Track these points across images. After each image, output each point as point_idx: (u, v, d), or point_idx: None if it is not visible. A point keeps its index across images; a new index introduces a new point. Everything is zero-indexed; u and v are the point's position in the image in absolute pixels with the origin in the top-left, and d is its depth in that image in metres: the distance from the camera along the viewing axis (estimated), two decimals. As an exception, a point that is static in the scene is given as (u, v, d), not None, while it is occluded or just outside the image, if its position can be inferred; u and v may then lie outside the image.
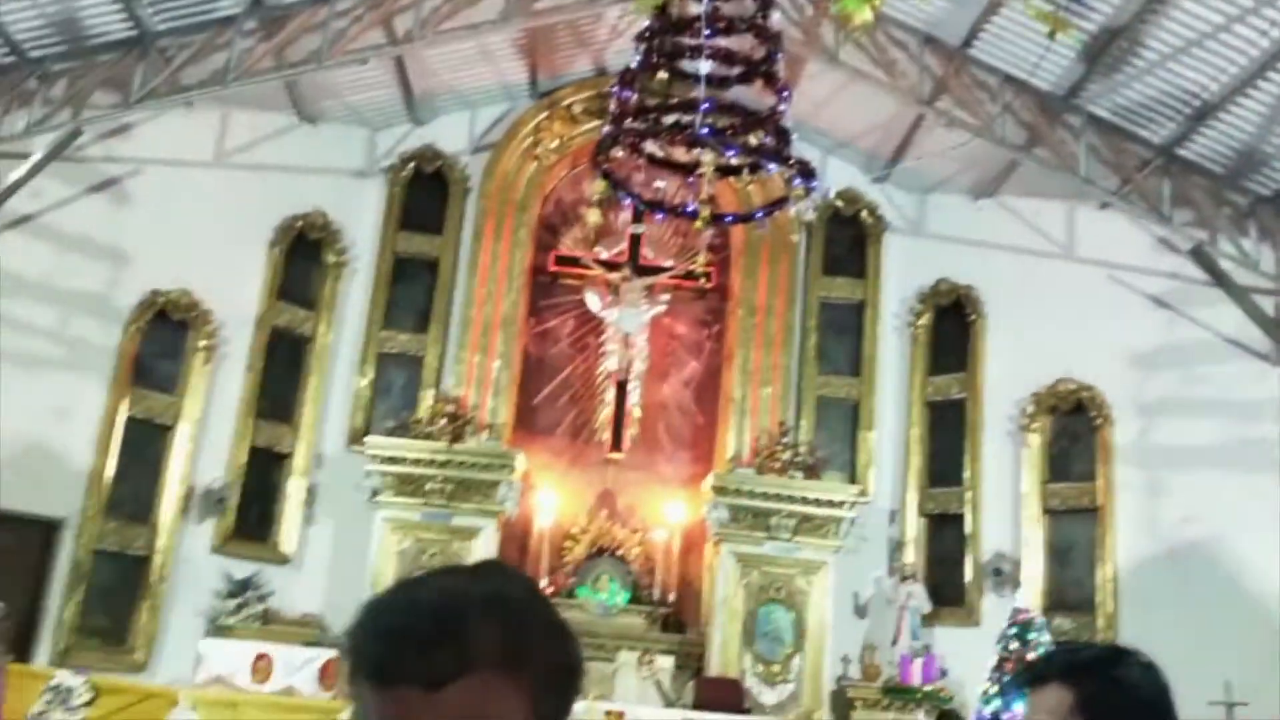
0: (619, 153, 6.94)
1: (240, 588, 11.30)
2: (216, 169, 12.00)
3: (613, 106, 7.11)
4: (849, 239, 13.35)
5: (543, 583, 11.80)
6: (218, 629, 11.01)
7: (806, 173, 7.01)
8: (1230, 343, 11.40)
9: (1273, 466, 10.79)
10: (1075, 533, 11.81)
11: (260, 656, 9.85)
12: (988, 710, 9.29)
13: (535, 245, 13.10)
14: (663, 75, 7.14)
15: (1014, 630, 8.66)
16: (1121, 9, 9.83)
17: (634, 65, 7.23)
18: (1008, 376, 12.38)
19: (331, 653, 10.04)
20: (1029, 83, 11.17)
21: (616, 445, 12.57)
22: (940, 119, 11.42)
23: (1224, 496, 10.84)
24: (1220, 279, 11.18)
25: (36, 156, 10.21)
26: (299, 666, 9.76)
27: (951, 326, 12.95)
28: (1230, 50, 9.84)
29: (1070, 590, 11.70)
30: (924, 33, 11.15)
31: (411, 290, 12.76)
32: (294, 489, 11.91)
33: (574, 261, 13.14)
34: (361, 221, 12.77)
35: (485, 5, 10.95)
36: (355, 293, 12.64)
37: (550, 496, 12.24)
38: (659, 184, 7.71)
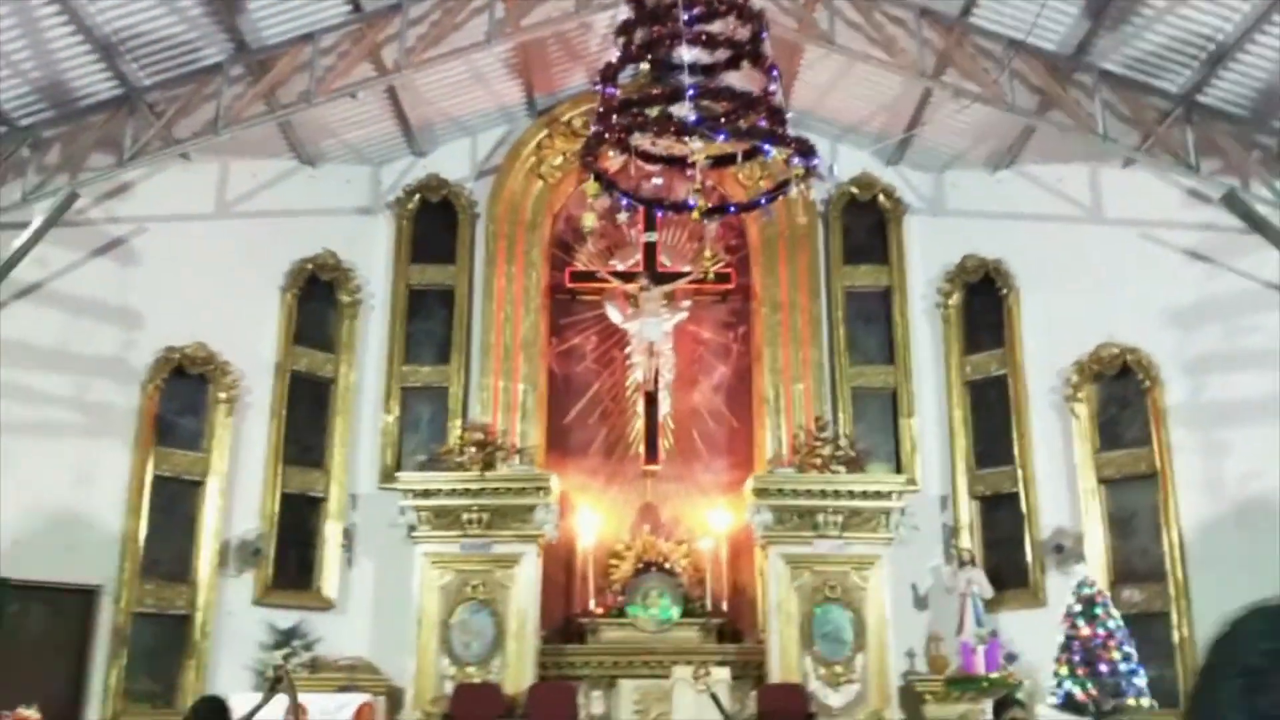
0: (609, 151, 6.73)
1: (285, 638, 11.16)
2: (220, 219, 11.97)
3: (598, 104, 6.91)
4: (868, 225, 13.06)
5: (591, 603, 11.59)
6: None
7: (805, 151, 6.74)
8: (1274, 288, 10.95)
9: (1336, 410, 10.33)
10: (1135, 501, 11.38)
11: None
12: (1063, 690, 8.89)
13: (549, 264, 12.95)
14: (645, 67, 6.95)
15: (1079, 608, 8.27)
16: (1122, -43, 9.49)
17: (615, 60, 7.04)
18: (1047, 347, 12.01)
19: (365, 697, 9.87)
20: (1034, 45, 10.82)
21: (652, 457, 12.34)
22: (947, 92, 11.11)
23: (1287, 448, 10.38)
24: (1257, 224, 10.72)
25: (36, 224, 10.17)
26: (334, 712, 9.56)
27: (984, 303, 12.60)
28: (1240, -13, 9.45)
29: (1136, 560, 11.27)
30: (920, 5, 10.85)
31: (429, 322, 12.64)
32: (330, 533, 11.78)
33: (590, 276, 12.97)
34: (372, 258, 12.69)
35: (470, 28, 10.83)
36: (373, 330, 12.55)
37: (590, 516, 12.04)
38: (656, 181, 7.48)
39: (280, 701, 6.97)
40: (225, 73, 10.43)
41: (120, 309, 11.10)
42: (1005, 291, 12.43)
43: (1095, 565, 11.07)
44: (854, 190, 12.99)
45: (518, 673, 10.82)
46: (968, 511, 12.03)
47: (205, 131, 10.50)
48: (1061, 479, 11.71)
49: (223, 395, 11.43)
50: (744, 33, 7.05)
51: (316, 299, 12.37)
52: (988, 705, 10.43)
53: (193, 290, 11.40)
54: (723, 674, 10.66)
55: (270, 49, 10.58)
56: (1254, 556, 10.35)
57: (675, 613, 11.57)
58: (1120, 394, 11.72)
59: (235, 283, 11.76)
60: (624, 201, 6.95)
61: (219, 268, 11.66)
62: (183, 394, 11.33)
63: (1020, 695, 10.42)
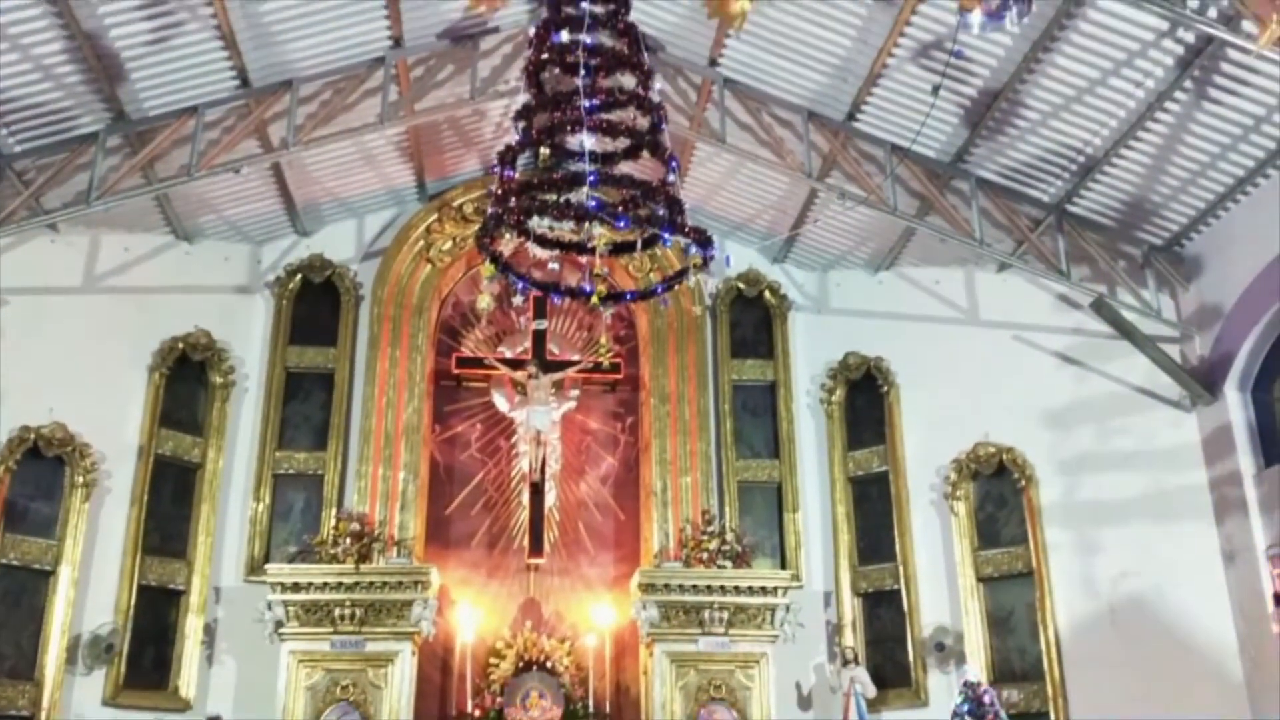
0: (506, 234, 6.63)
1: (137, 743, 10.41)
2: (88, 294, 11.42)
3: (494, 186, 6.83)
4: (754, 320, 13.23)
5: (468, 704, 11.12)
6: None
7: (703, 241, 6.78)
8: (1142, 392, 11.36)
9: (1204, 512, 10.66)
10: (1013, 599, 11.50)
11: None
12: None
13: (435, 350, 12.71)
14: (545, 151, 6.92)
15: (966, 706, 8.28)
16: (999, 70, 9.94)
17: (514, 143, 6.99)
18: (927, 445, 12.22)
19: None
20: (916, 151, 11.20)
21: (536, 550, 12.03)
22: (832, 194, 11.39)
23: (1158, 547, 10.69)
24: (1124, 330, 11.17)
25: (-112, 290, 9.54)
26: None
27: (865, 400, 12.80)
28: (1108, 104, 9.99)
29: (1015, 659, 11.35)
30: (807, 109, 11.16)
31: (306, 406, 12.22)
32: (191, 628, 11.14)
33: (477, 363, 12.75)
34: (249, 338, 12.28)
35: (362, 109, 10.71)
36: (245, 413, 12.07)
37: (470, 612, 11.63)
38: (553, 266, 7.42)
39: None
40: (101, 142, 10.04)
41: (-29, 384, 10.42)
42: (886, 389, 12.65)
43: (974, 664, 11.10)
44: (741, 286, 13.16)
45: (389, 778, 10.29)
46: (851, 608, 12.01)
47: (76, 202, 10.07)
48: (941, 576, 11.79)
49: (80, 479, 10.78)
50: (644, 123, 7.10)
51: (186, 379, 11.88)
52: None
53: (53, 367, 10.81)
54: (605, 778, 10.31)
55: (151, 120, 10.24)
56: (1131, 655, 10.55)
57: (556, 715, 11.18)
58: (997, 492, 11.94)
59: (100, 360, 11.21)
60: (520, 285, 6.85)
61: (83, 344, 11.11)
62: (37, 477, 10.66)
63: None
